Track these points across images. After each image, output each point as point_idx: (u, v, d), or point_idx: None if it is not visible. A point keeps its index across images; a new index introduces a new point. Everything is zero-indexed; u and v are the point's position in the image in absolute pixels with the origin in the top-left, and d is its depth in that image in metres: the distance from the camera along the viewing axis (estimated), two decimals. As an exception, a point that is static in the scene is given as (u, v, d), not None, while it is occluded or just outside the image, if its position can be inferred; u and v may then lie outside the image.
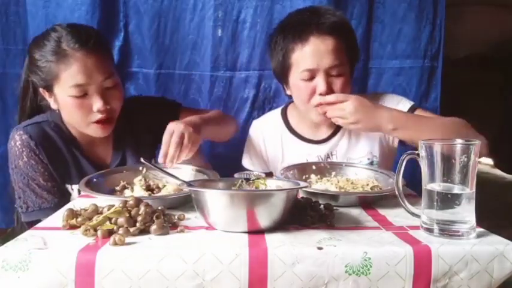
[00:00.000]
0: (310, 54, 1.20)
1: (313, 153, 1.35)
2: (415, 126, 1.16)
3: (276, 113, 1.45)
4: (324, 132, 1.36)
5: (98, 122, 1.12)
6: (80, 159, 1.19)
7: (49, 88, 1.12)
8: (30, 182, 1.13)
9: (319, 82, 1.20)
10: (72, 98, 1.08)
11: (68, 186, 1.19)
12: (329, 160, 1.34)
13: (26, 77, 1.20)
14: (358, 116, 1.14)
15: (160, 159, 1.03)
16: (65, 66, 1.06)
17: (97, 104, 1.09)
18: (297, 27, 1.22)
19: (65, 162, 1.17)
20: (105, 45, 1.19)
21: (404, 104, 1.30)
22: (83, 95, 1.08)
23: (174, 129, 1.03)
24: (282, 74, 1.29)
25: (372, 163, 1.31)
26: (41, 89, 1.15)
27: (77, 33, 1.10)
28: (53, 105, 1.15)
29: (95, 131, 1.14)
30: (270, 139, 1.41)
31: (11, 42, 1.50)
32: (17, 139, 1.12)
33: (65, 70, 1.06)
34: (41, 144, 1.12)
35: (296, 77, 1.24)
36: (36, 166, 1.12)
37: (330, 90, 1.20)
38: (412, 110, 1.28)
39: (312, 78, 1.21)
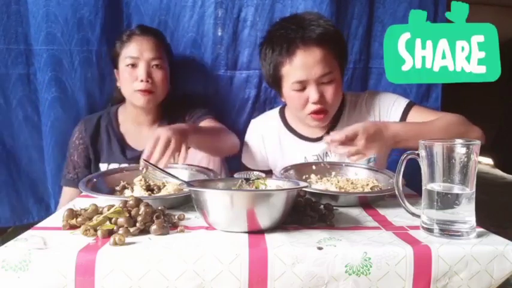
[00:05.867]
0: (299, 67, 1.21)
1: (311, 151, 1.36)
2: (415, 136, 1.15)
3: (274, 112, 1.47)
4: (321, 131, 1.37)
5: (140, 90, 1.34)
6: (114, 144, 1.41)
7: (116, 67, 1.41)
8: (69, 156, 1.44)
9: (311, 92, 1.22)
10: (126, 68, 1.35)
11: (100, 165, 1.41)
12: (327, 158, 1.35)
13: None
14: (369, 147, 1.09)
15: (141, 162, 1.04)
16: (127, 44, 1.37)
17: (141, 74, 1.33)
18: (283, 41, 1.23)
19: (102, 144, 1.42)
20: (162, 39, 1.43)
21: (400, 102, 1.31)
22: (133, 66, 1.35)
23: (160, 135, 1.05)
24: (275, 84, 1.32)
25: (369, 160, 1.32)
26: (115, 71, 1.43)
27: (143, 26, 1.41)
28: (119, 82, 1.41)
29: (137, 99, 1.35)
30: (269, 137, 1.42)
31: (13, 41, 1.50)
32: (78, 124, 1.44)
33: (125, 47, 1.36)
34: (88, 131, 1.42)
35: (288, 87, 1.26)
36: (78, 146, 1.42)
37: (322, 98, 1.23)
38: (408, 107, 1.29)
39: (303, 88, 1.24)
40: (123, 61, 1.36)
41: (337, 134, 1.09)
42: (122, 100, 1.45)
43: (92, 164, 1.42)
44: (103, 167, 1.40)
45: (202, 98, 1.60)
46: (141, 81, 1.33)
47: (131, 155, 1.39)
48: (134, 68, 1.34)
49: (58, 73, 1.50)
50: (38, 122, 1.53)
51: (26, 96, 1.52)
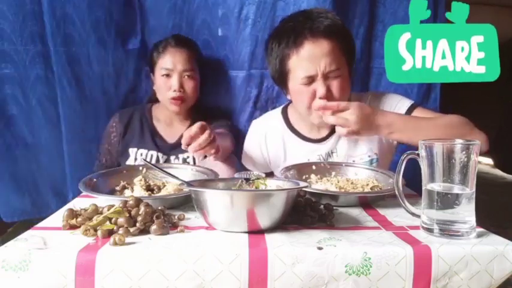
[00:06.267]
0: (307, 60, 1.20)
1: (314, 152, 1.35)
2: (413, 128, 1.15)
3: (277, 112, 1.45)
4: (324, 131, 1.36)
5: (172, 98, 1.47)
6: (146, 132, 1.53)
7: (153, 72, 1.54)
8: (102, 144, 1.55)
9: (319, 86, 1.21)
10: (161, 77, 1.48)
11: (130, 150, 1.50)
12: (330, 159, 1.34)
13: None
14: (360, 125, 1.12)
15: (185, 140, 1.05)
16: (162, 55, 1.48)
17: (174, 85, 1.46)
18: (290, 33, 1.22)
19: (133, 132, 1.53)
20: (195, 50, 1.53)
21: (403, 103, 1.30)
22: (167, 76, 1.47)
23: (206, 125, 1.09)
24: (281, 80, 1.29)
25: (371, 161, 1.32)
26: (151, 75, 1.55)
27: (178, 37, 1.51)
28: (155, 86, 1.53)
29: (170, 106, 1.49)
30: (272, 139, 1.41)
31: (29, 42, 1.51)
32: (113, 116, 1.56)
33: (161, 58, 1.49)
34: (122, 121, 1.54)
35: (295, 82, 1.24)
36: (110, 135, 1.54)
37: (329, 93, 1.21)
38: (411, 108, 1.28)
39: (311, 82, 1.22)
40: (159, 71, 1.48)
41: (331, 103, 1.16)
42: (157, 100, 1.55)
43: (120, 149, 1.52)
44: (132, 151, 1.49)
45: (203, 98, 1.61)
46: (174, 91, 1.46)
47: (160, 144, 1.51)
48: (168, 78, 1.47)
49: (76, 73, 1.54)
50: (57, 120, 1.56)
51: (45, 95, 1.55)
